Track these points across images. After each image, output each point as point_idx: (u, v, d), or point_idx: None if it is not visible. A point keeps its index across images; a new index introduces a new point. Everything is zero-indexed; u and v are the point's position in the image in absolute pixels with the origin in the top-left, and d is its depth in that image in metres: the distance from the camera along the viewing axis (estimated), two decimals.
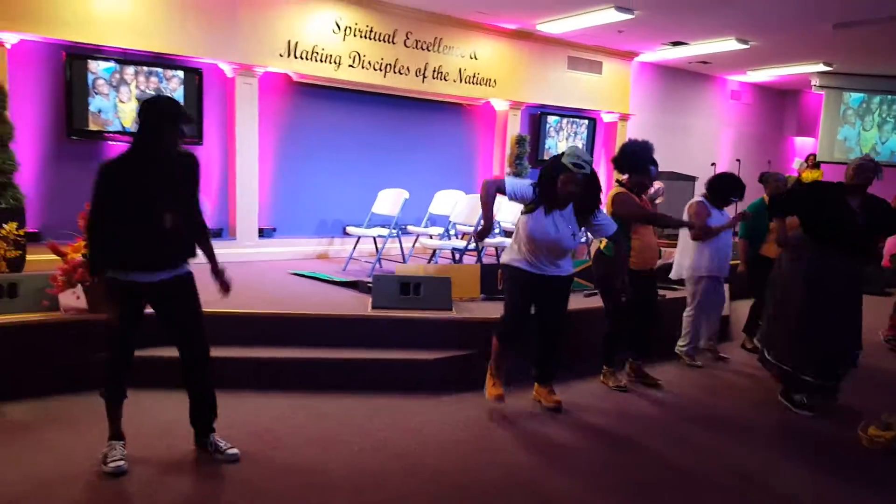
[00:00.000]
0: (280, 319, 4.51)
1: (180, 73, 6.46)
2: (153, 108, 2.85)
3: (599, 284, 4.39)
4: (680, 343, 5.13)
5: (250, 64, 6.77)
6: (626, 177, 4.33)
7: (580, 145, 9.94)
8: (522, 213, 3.77)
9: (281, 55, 6.92)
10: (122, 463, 2.92)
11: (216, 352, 4.06)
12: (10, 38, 5.61)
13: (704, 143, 12.10)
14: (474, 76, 8.47)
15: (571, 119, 9.87)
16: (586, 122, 10.03)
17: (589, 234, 4.77)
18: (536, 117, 9.54)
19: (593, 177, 3.68)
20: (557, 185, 3.62)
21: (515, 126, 9.14)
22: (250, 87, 6.84)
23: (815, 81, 11.54)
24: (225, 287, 3.16)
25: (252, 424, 3.57)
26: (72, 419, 3.52)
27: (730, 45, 9.11)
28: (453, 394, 4.14)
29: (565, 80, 9.51)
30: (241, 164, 6.89)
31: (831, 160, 11.80)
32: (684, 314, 5.11)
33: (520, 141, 9.12)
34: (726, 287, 5.26)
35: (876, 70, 10.98)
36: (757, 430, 3.87)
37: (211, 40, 6.49)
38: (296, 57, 7.01)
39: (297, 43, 6.99)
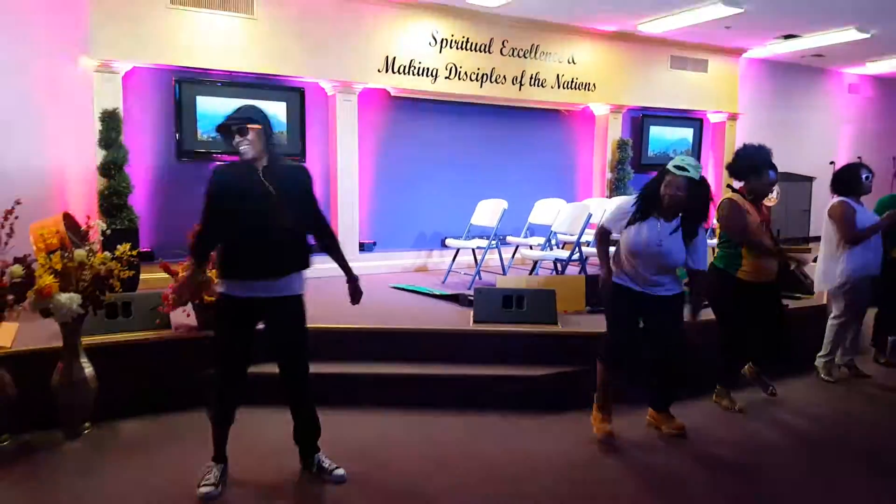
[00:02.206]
0: (381, 334, 4.50)
1: (282, 93, 6.65)
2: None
3: (710, 294, 4.09)
4: (820, 354, 4.71)
5: (350, 81, 6.88)
6: (741, 184, 4.04)
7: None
8: (626, 225, 3.49)
9: (379, 71, 7.00)
10: (211, 489, 2.91)
11: (318, 367, 4.09)
12: (124, 67, 5.93)
13: (821, 142, 11.29)
14: (572, 81, 8.25)
15: (675, 121, 9.44)
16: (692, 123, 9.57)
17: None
18: (638, 120, 9.19)
19: (701, 185, 3.33)
20: (661, 190, 3.36)
21: (616, 130, 8.84)
22: (350, 104, 6.95)
23: None
24: (357, 295, 3.19)
25: (356, 443, 3.54)
26: (183, 436, 3.60)
27: (849, 35, 8.43)
28: (561, 413, 3.98)
29: (668, 81, 9.11)
30: (342, 180, 7.00)
31: None
32: (829, 322, 4.65)
33: (621, 145, 8.80)
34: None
35: None
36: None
37: (312, 60, 6.65)
38: (394, 72, 7.08)
39: (394, 58, 7.05)
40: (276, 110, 6.59)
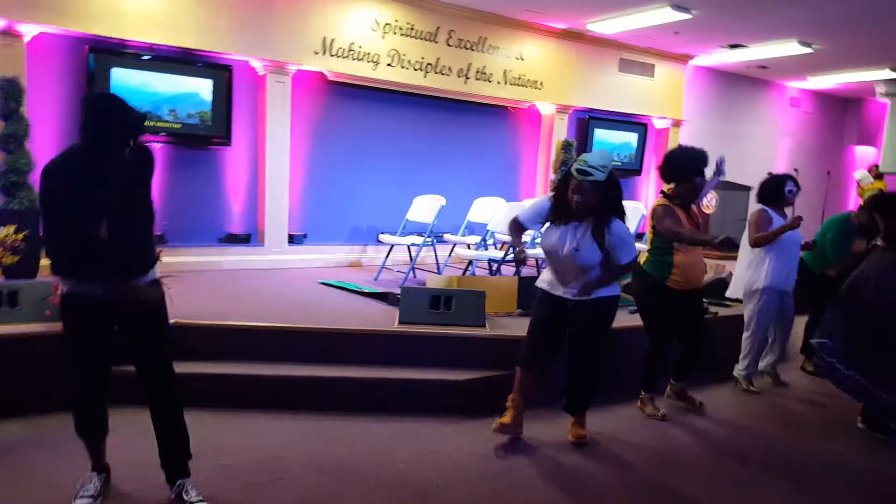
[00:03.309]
0: (297, 333, 4.18)
1: (208, 70, 6.22)
2: (98, 113, 2.42)
3: (638, 301, 4.08)
4: (738, 366, 4.69)
5: (283, 61, 6.50)
6: (670, 186, 3.94)
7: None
8: (542, 226, 3.44)
9: (316, 52, 6.64)
10: (88, 502, 2.58)
11: (224, 369, 3.83)
12: (30, 31, 5.41)
13: (761, 153, 11.44)
14: (520, 78, 8.06)
15: (621, 125, 9.38)
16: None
17: None
18: (584, 122, 9.08)
19: (608, 184, 3.17)
20: (567, 195, 3.23)
21: (562, 131, 8.70)
22: (282, 86, 6.57)
23: (879, 89, 10.85)
24: (145, 300, 2.57)
25: (259, 451, 3.24)
26: (65, 441, 3.18)
27: (791, 48, 8.51)
28: (483, 418, 3.74)
29: (616, 84, 9.03)
30: (271, 167, 6.60)
31: (895, 171, 11.08)
32: (744, 335, 4.63)
33: (566, 146, 8.67)
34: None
35: None
36: (817, 471, 3.41)
37: (242, 36, 6.23)
38: (331, 55, 6.73)
39: (332, 40, 6.71)
40: (200, 88, 6.17)
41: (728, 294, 4.96)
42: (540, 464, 3.33)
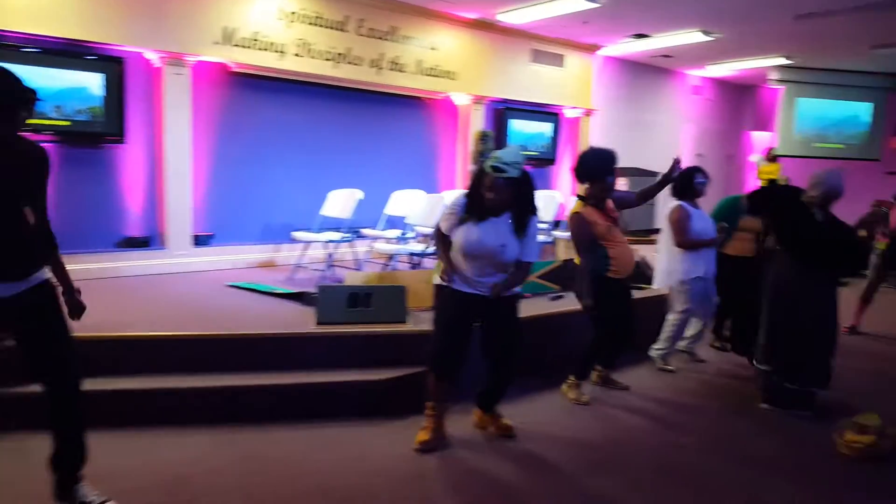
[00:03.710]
0: (203, 342, 3.88)
1: (98, 63, 5.75)
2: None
3: (582, 294, 4.07)
4: (657, 346, 4.81)
5: (180, 52, 6.08)
6: (586, 186, 4.03)
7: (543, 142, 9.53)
8: (457, 224, 3.23)
9: (216, 43, 6.26)
10: None
11: (126, 383, 3.52)
12: None
13: (667, 140, 11.82)
14: (434, 68, 7.94)
15: (535, 115, 9.44)
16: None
17: None
18: (500, 112, 9.07)
19: (523, 181, 3.13)
20: (482, 192, 3.13)
21: (478, 121, 8.64)
22: (181, 79, 6.16)
23: (772, 76, 11.44)
24: (76, 310, 2.59)
25: (162, 472, 2.98)
26: None
27: (693, 37, 8.80)
28: (406, 417, 3.63)
29: (528, 74, 9.06)
30: (171, 164, 6.18)
31: (789, 154, 11.75)
32: (669, 318, 4.76)
33: (483, 137, 8.57)
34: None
35: (832, 65, 10.89)
36: (732, 439, 3.54)
37: (134, 27, 5.78)
38: (234, 45, 6.37)
39: (234, 29, 6.35)
40: (89, 82, 5.69)
41: (655, 285, 5.09)
42: (468, 460, 3.23)
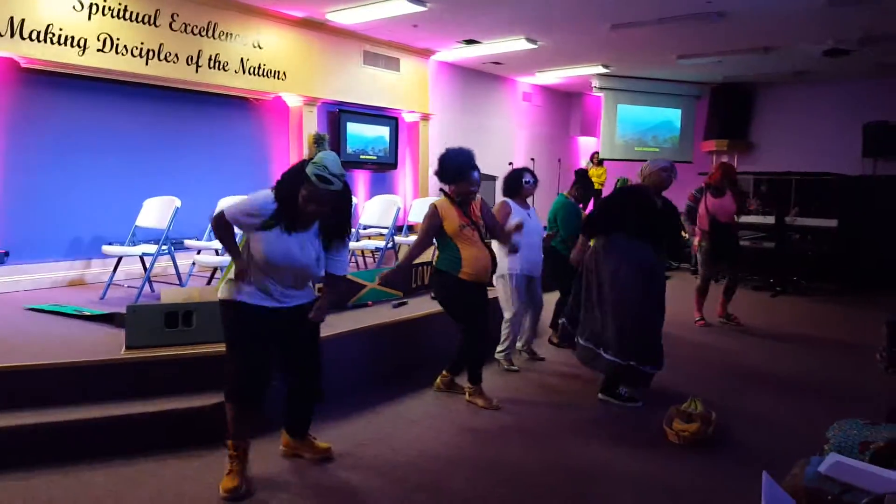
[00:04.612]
0: None
1: None
2: None
3: (441, 298, 4.11)
4: (499, 348, 4.86)
5: None
6: (451, 187, 4.00)
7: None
8: (255, 230, 2.84)
9: (1, 35, 5.48)
10: None
11: None
12: None
13: (502, 144, 12.23)
14: (259, 67, 7.54)
15: (372, 118, 9.31)
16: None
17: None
18: (335, 115, 8.83)
19: (344, 195, 2.88)
20: (299, 201, 2.80)
21: (312, 123, 8.34)
22: None
23: (595, 84, 12.19)
24: None
25: None
26: None
27: (520, 44, 9.13)
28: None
29: (362, 77, 8.91)
30: None
31: (612, 158, 12.59)
32: (504, 319, 4.81)
33: (318, 140, 8.29)
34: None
35: (645, 73, 11.82)
36: (577, 432, 3.57)
37: None
38: (22, 37, 5.60)
39: (22, 20, 5.58)
40: None
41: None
42: (305, 482, 3.01)
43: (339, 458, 3.27)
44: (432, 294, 4.41)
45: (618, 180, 7.35)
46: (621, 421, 3.91)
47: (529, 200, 4.99)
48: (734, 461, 3.35)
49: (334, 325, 4.24)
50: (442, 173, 3.99)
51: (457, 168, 3.94)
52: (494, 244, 4.78)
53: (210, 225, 3.00)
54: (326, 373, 3.23)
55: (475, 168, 3.97)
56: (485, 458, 3.36)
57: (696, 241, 6.40)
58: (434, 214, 3.95)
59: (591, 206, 6.59)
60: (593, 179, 12.20)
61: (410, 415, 3.92)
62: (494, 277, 4.71)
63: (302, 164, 2.82)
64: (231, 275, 2.93)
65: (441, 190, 4.05)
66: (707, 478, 3.18)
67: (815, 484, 2.10)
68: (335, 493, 2.95)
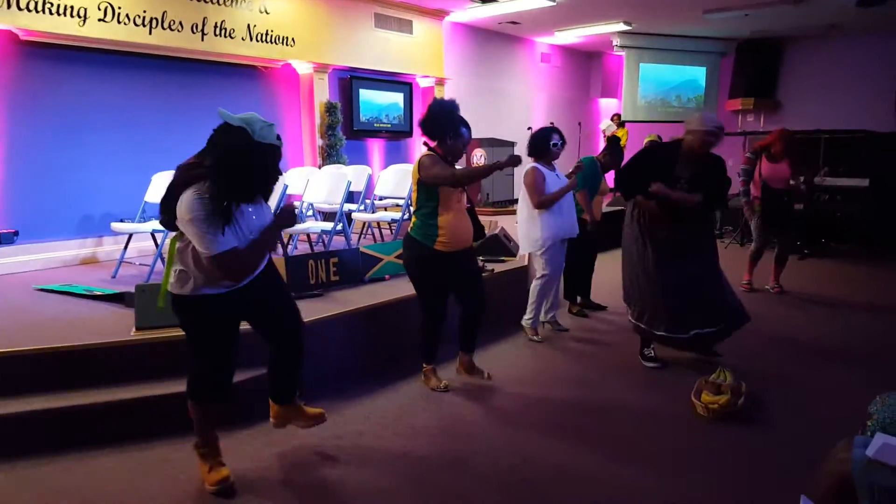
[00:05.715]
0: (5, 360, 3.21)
1: None
2: None
3: (410, 270, 3.69)
4: (526, 316, 4.72)
5: None
6: (435, 144, 3.59)
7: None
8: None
9: None
10: None
11: None
12: None
13: (519, 108, 11.90)
14: (267, 34, 7.28)
15: (385, 84, 9.03)
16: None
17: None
18: (346, 82, 8.56)
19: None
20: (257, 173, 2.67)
21: (323, 91, 8.10)
22: None
23: (616, 42, 11.75)
24: None
25: None
26: None
27: (538, 0, 8.74)
28: (256, 424, 3.23)
29: (374, 41, 8.61)
30: None
31: (635, 119, 12.20)
32: (533, 286, 4.65)
33: (330, 109, 8.10)
34: None
35: (669, 30, 11.36)
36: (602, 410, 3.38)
37: None
38: (19, 8, 5.40)
39: None
40: None
41: (521, 253, 4.98)
42: (334, 462, 2.87)
43: (357, 437, 3.13)
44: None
45: (647, 137, 7.03)
46: (651, 388, 3.75)
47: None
48: (766, 439, 3.14)
49: (349, 301, 4.07)
50: (433, 128, 3.56)
51: (447, 119, 3.53)
52: (522, 210, 4.56)
53: (235, 269, 2.54)
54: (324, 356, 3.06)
55: (465, 123, 3.58)
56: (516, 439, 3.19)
57: (753, 205, 6.05)
58: (437, 160, 3.50)
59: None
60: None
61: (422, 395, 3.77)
62: (527, 245, 4.57)
63: (229, 147, 2.64)
64: (179, 265, 2.58)
65: (426, 144, 3.64)
66: (736, 455, 2.98)
67: (864, 474, 1.88)
68: (335, 489, 2.81)
